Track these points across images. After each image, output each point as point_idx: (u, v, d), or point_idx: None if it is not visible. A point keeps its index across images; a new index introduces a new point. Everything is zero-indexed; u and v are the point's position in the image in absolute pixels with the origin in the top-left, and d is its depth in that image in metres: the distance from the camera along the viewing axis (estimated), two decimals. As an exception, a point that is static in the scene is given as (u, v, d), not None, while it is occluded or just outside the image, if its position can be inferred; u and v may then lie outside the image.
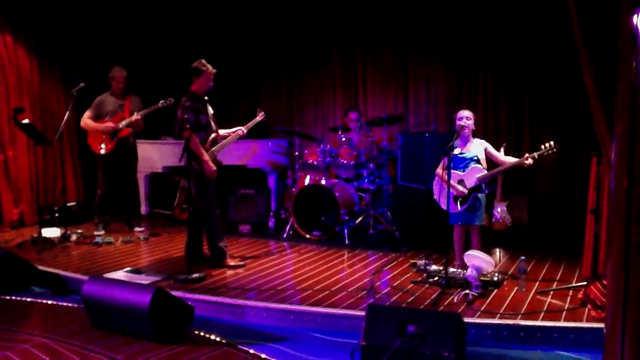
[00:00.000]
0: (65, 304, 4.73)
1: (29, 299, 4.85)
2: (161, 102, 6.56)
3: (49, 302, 4.79)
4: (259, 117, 5.80)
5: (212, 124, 5.43)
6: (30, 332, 4.08)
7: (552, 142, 4.53)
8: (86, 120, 6.74)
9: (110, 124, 6.66)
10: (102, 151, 6.71)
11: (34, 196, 7.23)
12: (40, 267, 5.33)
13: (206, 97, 5.38)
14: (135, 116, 6.64)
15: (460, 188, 4.83)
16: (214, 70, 5.32)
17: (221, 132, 5.54)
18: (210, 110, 5.46)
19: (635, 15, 1.64)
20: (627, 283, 1.68)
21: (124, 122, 6.67)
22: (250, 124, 5.72)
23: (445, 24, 7.17)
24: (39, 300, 4.82)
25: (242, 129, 5.61)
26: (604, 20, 3.53)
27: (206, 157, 5.21)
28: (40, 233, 6.38)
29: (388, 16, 7.54)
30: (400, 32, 7.52)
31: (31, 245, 6.27)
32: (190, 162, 5.19)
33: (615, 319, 1.74)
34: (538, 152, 4.57)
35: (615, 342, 1.72)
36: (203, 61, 5.30)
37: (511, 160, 4.75)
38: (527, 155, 4.61)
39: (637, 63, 1.63)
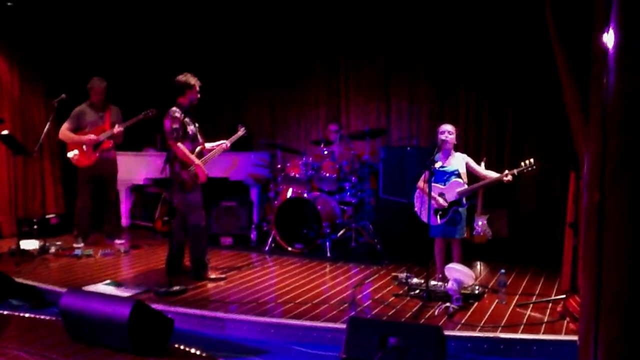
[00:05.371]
0: (43, 317, 4.65)
1: (5, 312, 4.76)
2: (143, 113, 6.51)
3: (27, 315, 4.71)
4: (241, 132, 5.83)
5: (199, 136, 5.45)
6: (6, 346, 4.00)
7: (531, 160, 4.59)
8: (65, 132, 6.66)
9: (92, 137, 6.59)
10: (85, 162, 6.65)
11: (13, 208, 7.14)
12: (18, 280, 5.25)
13: (191, 110, 5.41)
14: (118, 128, 6.58)
15: (441, 200, 4.87)
16: (200, 83, 5.37)
17: (207, 145, 5.56)
18: (196, 124, 5.48)
19: (605, 34, 1.69)
20: (599, 295, 1.71)
21: (106, 134, 6.61)
22: (233, 138, 5.74)
23: (428, 39, 7.25)
24: (16, 313, 4.74)
25: (226, 143, 5.64)
26: (583, 36, 3.59)
27: (197, 161, 5.23)
28: (18, 245, 6.28)
29: (371, 31, 7.61)
30: (383, 47, 7.59)
31: (9, 257, 6.19)
32: (179, 173, 5.18)
33: (588, 328, 1.76)
34: (517, 169, 4.63)
35: (589, 351, 1.74)
36: (189, 74, 5.34)
37: (492, 175, 4.81)
38: (506, 172, 4.67)
39: (608, 81, 1.67)
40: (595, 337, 1.69)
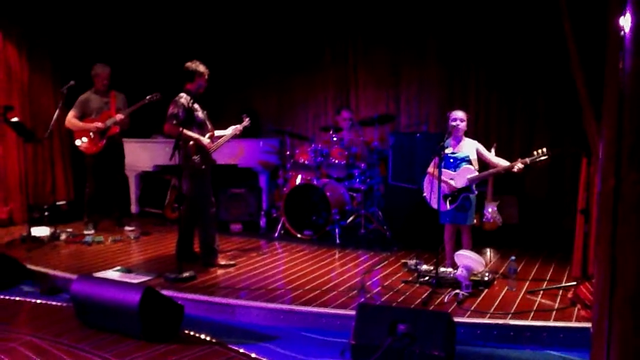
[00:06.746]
0: (54, 302, 4.70)
1: (17, 298, 4.82)
2: (148, 97, 6.51)
3: (38, 301, 4.76)
4: (245, 122, 5.82)
5: (208, 123, 5.45)
6: (18, 331, 4.05)
7: (544, 149, 4.52)
8: (72, 120, 6.66)
9: (99, 124, 6.59)
10: (93, 149, 6.67)
11: (24, 194, 7.17)
12: (29, 266, 5.30)
13: (198, 97, 5.40)
14: (120, 115, 6.59)
15: (453, 182, 4.82)
16: (208, 71, 5.37)
17: (216, 132, 5.56)
18: (204, 111, 5.47)
19: (622, 17, 1.66)
20: (613, 282, 1.69)
21: (112, 121, 6.61)
22: (240, 127, 5.72)
23: (438, 24, 7.19)
24: (28, 299, 4.79)
25: (238, 127, 5.64)
26: (594, 22, 3.56)
27: (203, 139, 5.24)
28: (29, 232, 6.33)
29: (381, 16, 7.55)
30: (393, 32, 7.53)
31: (20, 244, 6.23)
32: (190, 158, 5.18)
33: (601, 318, 1.75)
34: (530, 158, 4.56)
35: (602, 341, 1.72)
36: (198, 62, 5.35)
37: (502, 163, 4.75)
38: (519, 160, 4.61)
39: (624, 63, 1.65)
40: (608, 327, 1.67)
